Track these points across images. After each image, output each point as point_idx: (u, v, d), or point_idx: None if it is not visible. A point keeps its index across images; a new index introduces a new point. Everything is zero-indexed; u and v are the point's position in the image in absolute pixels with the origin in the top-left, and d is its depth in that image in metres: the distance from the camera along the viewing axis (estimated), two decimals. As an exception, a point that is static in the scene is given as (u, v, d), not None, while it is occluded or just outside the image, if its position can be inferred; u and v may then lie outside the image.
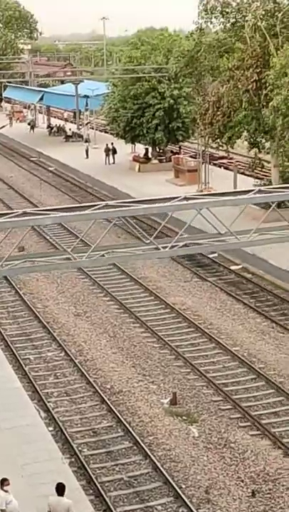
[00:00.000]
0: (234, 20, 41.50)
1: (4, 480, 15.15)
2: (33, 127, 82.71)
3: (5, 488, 15.06)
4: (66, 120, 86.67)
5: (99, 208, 15.84)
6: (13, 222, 15.40)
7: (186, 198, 16.62)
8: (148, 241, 16.59)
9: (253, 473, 18.61)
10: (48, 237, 39.81)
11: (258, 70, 38.62)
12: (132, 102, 55.47)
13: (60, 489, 14.90)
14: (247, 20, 40.45)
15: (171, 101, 53.63)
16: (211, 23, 41.98)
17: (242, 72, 39.09)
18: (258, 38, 39.58)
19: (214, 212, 18.65)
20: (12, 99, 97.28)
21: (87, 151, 62.65)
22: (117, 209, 15.79)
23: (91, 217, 16.17)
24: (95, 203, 16.72)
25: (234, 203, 18.58)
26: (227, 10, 41.13)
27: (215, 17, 41.51)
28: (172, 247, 16.46)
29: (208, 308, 29.95)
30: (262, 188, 17.84)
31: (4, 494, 14.98)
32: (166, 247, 16.39)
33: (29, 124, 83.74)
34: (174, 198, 16.70)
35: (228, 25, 42.07)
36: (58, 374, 24.41)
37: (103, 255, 16.14)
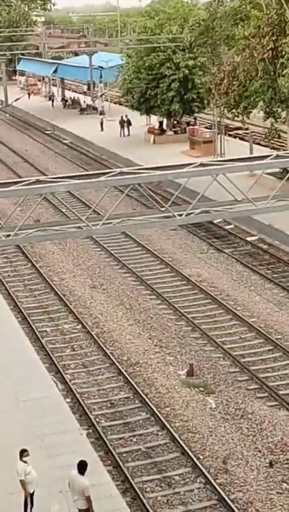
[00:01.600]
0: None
1: (24, 451, 15.13)
2: (53, 100, 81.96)
3: (24, 458, 15.04)
4: (85, 93, 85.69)
5: (113, 175, 15.58)
6: (26, 189, 15.18)
7: (202, 164, 16.30)
8: (163, 209, 16.32)
9: (270, 443, 18.51)
10: (62, 210, 39.61)
11: (274, 38, 37.96)
12: (146, 72, 54.91)
13: (80, 467, 14.50)
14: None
15: (186, 71, 53.02)
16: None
17: (258, 40, 38.39)
18: (274, 5, 38.90)
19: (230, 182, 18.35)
20: (26, 72, 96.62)
21: (101, 124, 62.22)
22: (131, 176, 15.52)
23: (106, 184, 15.89)
24: (109, 171, 16.45)
25: (251, 168, 18.25)
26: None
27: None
28: (188, 214, 16.19)
29: (225, 279, 29.73)
30: (280, 153, 17.46)
31: (23, 465, 14.95)
32: (181, 214, 16.13)
33: (50, 98, 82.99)
34: (190, 164, 16.37)
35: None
36: (75, 346, 24.36)
37: (117, 223, 15.90)
